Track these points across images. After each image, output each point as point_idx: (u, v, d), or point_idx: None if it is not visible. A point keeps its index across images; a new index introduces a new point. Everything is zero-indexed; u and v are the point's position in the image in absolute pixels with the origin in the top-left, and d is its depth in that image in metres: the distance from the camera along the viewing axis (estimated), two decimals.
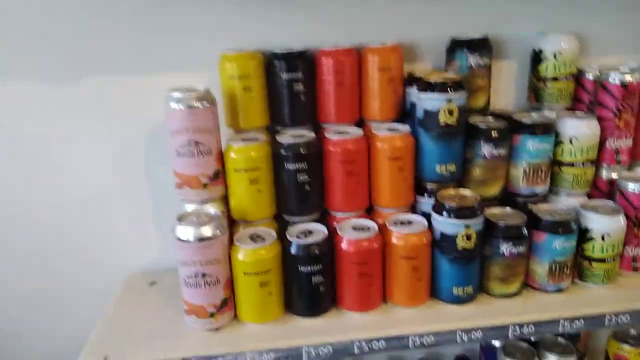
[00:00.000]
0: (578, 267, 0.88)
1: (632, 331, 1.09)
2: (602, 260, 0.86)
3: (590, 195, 0.94)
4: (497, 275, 0.85)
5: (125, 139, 0.93)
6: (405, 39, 0.94)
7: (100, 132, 0.92)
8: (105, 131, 0.92)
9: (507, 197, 0.91)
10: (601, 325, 0.84)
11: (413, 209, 0.90)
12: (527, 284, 0.88)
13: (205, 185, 0.80)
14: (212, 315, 0.78)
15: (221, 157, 0.82)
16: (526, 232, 0.83)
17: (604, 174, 0.94)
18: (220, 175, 0.82)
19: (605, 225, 0.85)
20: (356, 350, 0.78)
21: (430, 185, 0.88)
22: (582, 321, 0.83)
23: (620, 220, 0.86)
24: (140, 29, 0.88)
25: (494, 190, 0.89)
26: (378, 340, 0.79)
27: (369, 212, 0.89)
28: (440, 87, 0.82)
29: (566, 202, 0.91)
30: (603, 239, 0.85)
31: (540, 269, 0.86)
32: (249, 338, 0.79)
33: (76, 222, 0.97)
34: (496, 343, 1.07)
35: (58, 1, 0.85)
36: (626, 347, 1.05)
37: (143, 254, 0.99)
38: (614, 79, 0.89)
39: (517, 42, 0.97)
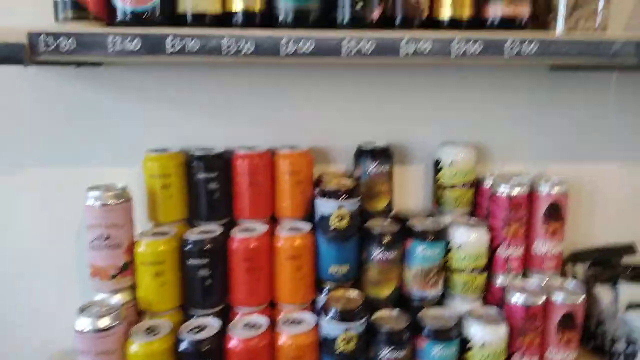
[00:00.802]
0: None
1: None
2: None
3: (485, 301, 1.00)
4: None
5: (60, 222, 1.01)
6: (319, 144, 1.03)
7: (35, 217, 1.01)
8: (40, 216, 1.01)
9: (401, 299, 0.97)
10: None
11: (314, 305, 0.97)
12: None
13: (113, 277, 0.88)
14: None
15: (132, 250, 0.90)
16: (407, 337, 0.88)
17: (498, 281, 1.00)
18: (129, 267, 0.90)
19: (484, 334, 0.90)
20: None
21: (325, 285, 0.94)
22: None
23: (500, 330, 0.91)
24: (75, 128, 0.98)
25: (386, 291, 0.95)
26: None
27: (272, 307, 0.95)
28: (333, 194, 0.90)
29: (459, 306, 0.97)
30: (483, 346, 0.90)
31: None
32: None
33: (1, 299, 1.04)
34: None
35: None
36: None
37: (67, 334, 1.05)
38: (502, 192, 0.96)
39: (423, 150, 1.06)
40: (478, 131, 1.07)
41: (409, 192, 1.08)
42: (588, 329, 1.05)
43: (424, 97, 1.04)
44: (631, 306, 0.95)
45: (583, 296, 0.94)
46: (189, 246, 0.89)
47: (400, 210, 1.05)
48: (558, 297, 0.93)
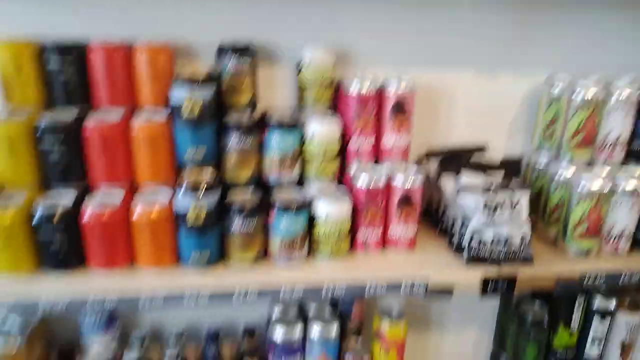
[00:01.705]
0: (310, 245, 1.03)
1: (395, 307, 1.25)
2: (327, 239, 1.01)
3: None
4: (237, 246, 0.98)
5: None
6: (183, 39, 1.07)
7: None
8: None
9: (259, 183, 1.05)
10: (319, 295, 0.98)
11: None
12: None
13: None
14: None
15: None
16: (256, 209, 0.96)
17: (349, 169, 1.08)
18: None
19: (328, 207, 0.99)
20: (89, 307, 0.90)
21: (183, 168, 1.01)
22: (302, 290, 0.98)
23: (343, 205, 1.00)
24: None
25: (245, 175, 1.02)
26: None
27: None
28: (187, 83, 0.95)
29: (310, 190, 1.05)
30: (326, 218, 0.99)
31: (274, 243, 1.00)
32: None
33: None
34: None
35: None
36: (385, 322, 1.21)
37: None
38: (353, 90, 1.04)
39: (290, 51, 1.11)
40: (342, 35, 1.13)
41: (276, 92, 1.14)
42: (436, 214, 1.17)
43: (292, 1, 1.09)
44: (463, 189, 1.06)
45: (420, 178, 1.04)
46: (42, 129, 0.92)
47: (267, 107, 1.12)
48: (398, 181, 1.03)
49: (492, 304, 1.39)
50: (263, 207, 0.98)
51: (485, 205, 1.03)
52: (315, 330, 1.16)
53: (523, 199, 1.05)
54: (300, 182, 1.07)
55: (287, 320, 1.17)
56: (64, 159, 0.94)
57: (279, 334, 1.14)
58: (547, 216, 1.17)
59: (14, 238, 0.89)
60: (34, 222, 0.89)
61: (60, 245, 0.91)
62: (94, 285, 0.92)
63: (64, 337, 1.19)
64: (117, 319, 1.16)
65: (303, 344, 1.17)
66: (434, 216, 1.18)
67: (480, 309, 1.41)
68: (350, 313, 1.26)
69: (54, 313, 0.89)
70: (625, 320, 1.27)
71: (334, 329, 1.17)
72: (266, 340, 1.21)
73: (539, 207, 1.19)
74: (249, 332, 1.23)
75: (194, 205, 0.92)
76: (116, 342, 1.17)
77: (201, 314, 1.28)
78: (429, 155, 1.21)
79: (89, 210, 0.90)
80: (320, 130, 1.03)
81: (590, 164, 1.14)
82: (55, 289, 0.91)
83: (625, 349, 1.30)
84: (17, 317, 1.08)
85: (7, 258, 0.90)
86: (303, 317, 1.19)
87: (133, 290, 0.91)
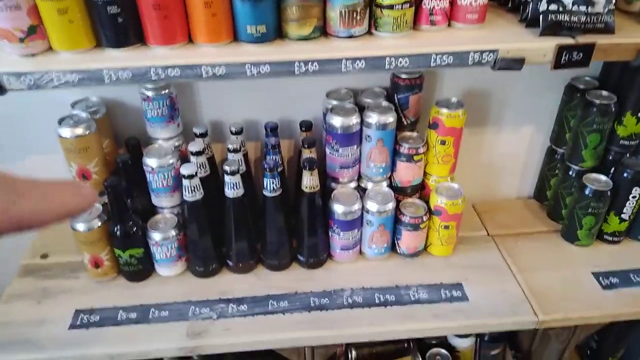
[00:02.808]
0: (373, 16, 0.96)
1: (454, 99, 1.21)
2: (391, 7, 0.94)
3: None
4: (292, 17, 0.93)
5: None
6: None
7: None
8: None
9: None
10: (381, 67, 0.95)
11: None
12: (325, 31, 0.97)
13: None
14: (22, 40, 0.88)
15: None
16: None
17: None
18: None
19: None
20: (153, 76, 0.90)
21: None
22: (363, 62, 0.94)
23: None
24: None
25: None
26: (173, 67, 0.90)
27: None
28: None
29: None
30: None
31: (333, 13, 0.94)
32: (58, 62, 0.89)
33: None
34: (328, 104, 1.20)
35: None
36: (443, 110, 1.19)
37: None
38: None
39: None
40: None
41: None
42: None
43: None
44: None
45: None
46: None
47: None
48: None
49: (556, 98, 1.33)
50: None
51: None
52: (372, 118, 1.15)
53: None
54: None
55: (345, 109, 1.17)
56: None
57: (336, 122, 1.14)
58: None
59: (68, 5, 0.86)
60: None
61: (116, 16, 0.88)
62: (155, 57, 0.90)
63: (128, 131, 1.23)
64: (178, 110, 1.18)
65: (360, 133, 1.18)
66: None
67: (540, 106, 1.36)
68: (407, 105, 1.24)
69: (119, 82, 0.89)
70: None
71: (391, 117, 1.16)
72: (323, 131, 1.22)
73: None
74: (306, 126, 1.24)
75: None
76: (179, 134, 1.20)
77: (258, 113, 1.29)
78: None
79: None
80: None
81: None
82: (119, 58, 0.90)
83: None
84: (81, 112, 1.12)
85: (64, 33, 0.89)
86: (359, 109, 1.18)
87: (195, 62, 0.90)
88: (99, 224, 1.13)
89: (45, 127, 1.13)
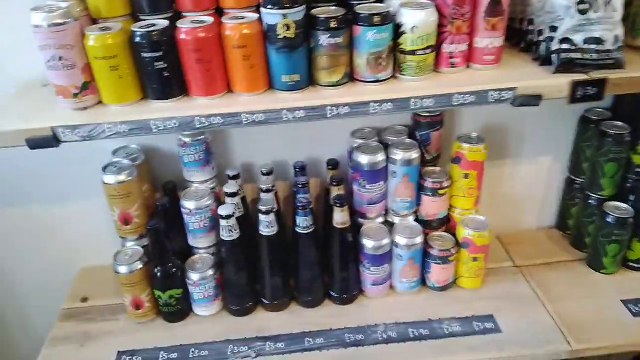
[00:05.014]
0: (396, 61, 1.04)
1: (474, 134, 1.27)
2: (413, 53, 1.01)
3: None
4: (322, 66, 1.00)
5: None
6: None
7: None
8: None
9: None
10: (407, 107, 1.01)
11: None
12: (353, 77, 1.04)
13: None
14: (75, 95, 0.95)
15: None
16: (343, 23, 0.96)
17: None
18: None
19: (414, 17, 0.98)
20: (197, 124, 0.97)
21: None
22: (390, 103, 1.00)
23: (429, 14, 0.98)
24: None
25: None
26: (216, 116, 0.97)
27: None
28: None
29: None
30: (413, 29, 0.98)
31: (360, 60, 1.01)
32: (108, 114, 0.97)
33: None
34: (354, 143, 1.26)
35: None
36: (465, 145, 1.24)
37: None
38: None
39: None
40: None
41: None
42: (519, 31, 1.14)
43: None
44: None
45: None
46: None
47: None
48: None
49: (570, 129, 1.38)
50: (348, 19, 0.97)
51: (579, 4, 0.99)
52: (397, 155, 1.20)
53: None
54: None
55: (371, 147, 1.22)
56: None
57: (363, 159, 1.20)
58: (637, 23, 1.11)
59: (119, 62, 0.94)
60: (135, 40, 0.92)
61: (162, 71, 0.95)
62: (199, 107, 0.97)
63: (165, 176, 1.29)
64: (213, 154, 1.24)
65: (386, 170, 1.23)
66: (515, 34, 1.15)
67: (556, 137, 1.41)
68: (429, 141, 1.29)
69: (166, 130, 0.96)
70: None
71: (415, 153, 1.21)
72: (349, 169, 1.27)
73: (628, 17, 1.13)
74: (333, 164, 1.30)
75: (282, 16, 0.93)
76: (213, 177, 1.26)
77: (285, 153, 1.35)
78: None
79: (185, 26, 0.93)
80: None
81: None
82: (165, 109, 0.97)
83: None
84: (122, 159, 1.19)
85: (114, 88, 0.96)
86: (383, 146, 1.24)
87: (235, 111, 0.96)
88: (140, 265, 1.17)
89: (87, 174, 1.20)
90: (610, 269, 1.33)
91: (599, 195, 1.34)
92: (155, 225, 1.11)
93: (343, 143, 1.31)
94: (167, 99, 0.99)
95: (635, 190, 1.30)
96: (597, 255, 1.33)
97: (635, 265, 1.34)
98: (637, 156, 1.29)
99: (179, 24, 0.94)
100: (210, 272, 1.19)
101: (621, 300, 1.26)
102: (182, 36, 0.94)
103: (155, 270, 1.16)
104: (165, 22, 0.95)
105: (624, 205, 1.30)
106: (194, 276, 1.18)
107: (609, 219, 1.27)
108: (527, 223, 1.54)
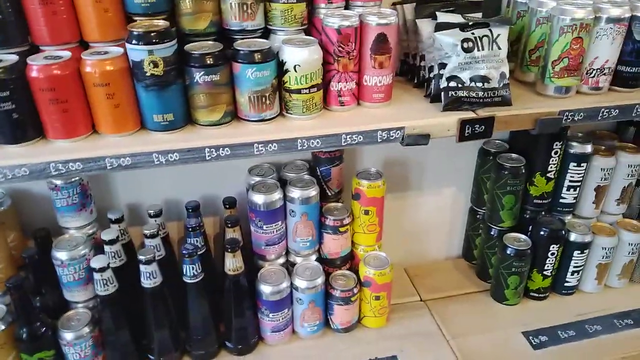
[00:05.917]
0: (283, 99, 0.98)
1: (373, 169, 1.24)
2: (299, 92, 0.95)
3: None
4: (200, 104, 0.92)
5: None
6: None
7: None
8: None
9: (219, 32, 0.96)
10: (294, 148, 0.95)
11: None
12: (237, 115, 0.97)
13: None
14: None
15: None
16: (221, 59, 0.89)
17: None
18: None
19: (296, 55, 0.92)
20: (53, 172, 0.85)
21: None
22: (276, 144, 0.94)
23: (312, 51, 0.93)
24: None
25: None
26: (75, 161, 0.86)
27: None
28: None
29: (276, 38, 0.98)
30: (295, 69, 0.93)
31: (242, 99, 0.94)
32: None
33: None
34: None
35: None
36: (363, 182, 1.20)
37: None
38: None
39: None
40: None
41: None
42: (412, 68, 1.12)
43: None
44: (441, 27, 1.00)
45: (395, 17, 0.97)
46: None
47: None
48: (372, 19, 0.96)
49: (472, 160, 1.39)
50: (226, 56, 0.90)
51: (463, 42, 0.98)
52: (295, 193, 1.14)
53: (503, 33, 0.99)
54: (265, 34, 0.99)
55: (267, 186, 1.16)
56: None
57: (259, 199, 1.13)
58: (526, 60, 1.13)
59: None
60: None
61: (11, 112, 0.84)
62: (55, 152, 0.86)
63: (38, 222, 1.16)
64: (91, 197, 1.13)
65: (284, 208, 1.17)
66: (409, 70, 1.13)
67: (458, 167, 1.41)
68: (330, 177, 1.24)
69: (15, 179, 0.84)
70: (599, 165, 1.29)
71: (313, 191, 1.16)
72: (247, 209, 1.20)
73: (518, 53, 1.15)
74: (230, 203, 1.22)
75: (148, 52, 0.84)
76: (92, 222, 1.14)
77: (178, 191, 1.25)
78: (404, 1, 1.12)
79: (36, 63, 0.82)
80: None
81: None
82: (14, 155, 0.85)
83: (599, 193, 1.33)
84: None
85: None
86: (282, 183, 1.18)
87: (98, 155, 0.86)
88: (3, 327, 1.03)
89: None
90: (512, 300, 1.34)
91: (499, 227, 1.34)
92: (16, 282, 0.98)
93: (243, 180, 1.24)
94: (17, 143, 0.87)
95: (534, 222, 1.32)
96: (499, 287, 1.34)
97: (536, 295, 1.36)
98: (534, 188, 1.30)
99: (30, 60, 0.84)
100: (87, 329, 1.06)
101: (522, 333, 1.26)
102: (33, 74, 0.83)
103: (21, 331, 1.02)
104: (15, 58, 0.84)
105: (524, 236, 1.31)
106: (67, 335, 1.05)
107: (508, 251, 1.28)
108: (435, 254, 1.53)
